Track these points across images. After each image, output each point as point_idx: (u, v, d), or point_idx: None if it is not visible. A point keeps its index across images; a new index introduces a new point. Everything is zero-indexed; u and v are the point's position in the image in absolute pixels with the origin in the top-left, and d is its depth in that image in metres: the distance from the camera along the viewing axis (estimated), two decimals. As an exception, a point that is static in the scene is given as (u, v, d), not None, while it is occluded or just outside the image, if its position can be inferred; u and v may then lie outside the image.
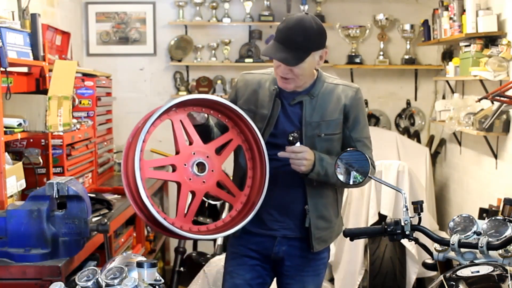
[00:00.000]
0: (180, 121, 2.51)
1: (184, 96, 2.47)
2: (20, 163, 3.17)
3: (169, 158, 2.57)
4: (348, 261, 4.54)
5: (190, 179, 2.48)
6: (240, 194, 2.62)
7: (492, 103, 4.10)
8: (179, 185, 2.48)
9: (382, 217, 4.34)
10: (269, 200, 2.63)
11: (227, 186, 2.63)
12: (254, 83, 2.71)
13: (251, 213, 2.55)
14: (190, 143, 2.52)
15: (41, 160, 3.39)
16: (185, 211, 2.49)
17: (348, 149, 2.49)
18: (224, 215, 4.05)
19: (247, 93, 2.69)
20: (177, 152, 2.50)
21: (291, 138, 2.54)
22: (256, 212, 2.58)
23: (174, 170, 2.49)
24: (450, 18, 4.72)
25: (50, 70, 3.40)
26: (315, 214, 2.65)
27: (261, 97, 2.66)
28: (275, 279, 2.82)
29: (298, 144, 2.54)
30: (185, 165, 2.47)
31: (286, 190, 2.65)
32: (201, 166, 2.51)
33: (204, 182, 2.51)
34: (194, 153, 2.50)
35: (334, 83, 2.66)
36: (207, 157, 2.52)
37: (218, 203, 4.49)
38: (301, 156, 2.52)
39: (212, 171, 2.53)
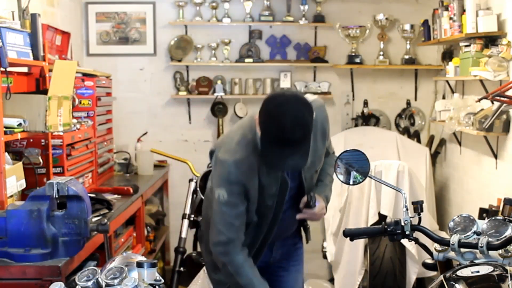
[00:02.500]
0: None
1: None
2: (20, 163, 3.17)
3: None
4: (348, 261, 4.54)
5: None
6: None
7: (492, 103, 4.09)
8: None
9: (382, 217, 4.33)
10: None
11: None
12: (250, 172, 2.46)
13: None
14: None
15: (41, 160, 3.39)
16: None
17: (348, 149, 2.50)
18: None
19: (253, 192, 2.50)
20: None
21: (310, 203, 2.59)
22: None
23: None
24: (450, 18, 4.72)
25: (50, 70, 3.40)
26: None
27: (264, 181, 2.51)
28: None
29: (317, 203, 2.61)
30: None
31: (287, 226, 2.71)
32: None
33: None
34: None
35: None
36: None
37: None
38: (322, 212, 2.63)
39: None
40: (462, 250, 2.17)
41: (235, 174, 2.43)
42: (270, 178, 2.50)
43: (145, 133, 5.56)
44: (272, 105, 2.28)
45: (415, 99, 5.95)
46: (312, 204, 2.58)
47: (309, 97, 2.59)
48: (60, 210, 2.74)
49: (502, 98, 3.83)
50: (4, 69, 2.90)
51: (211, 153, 2.60)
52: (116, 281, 1.85)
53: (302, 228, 2.85)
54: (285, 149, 2.26)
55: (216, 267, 2.67)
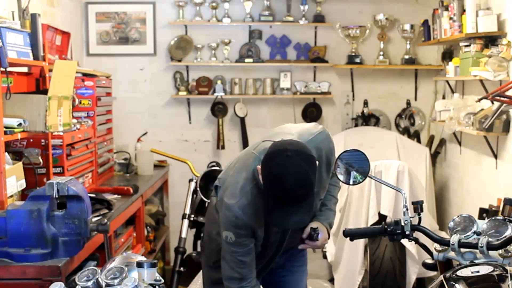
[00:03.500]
0: None
1: None
2: (20, 163, 3.17)
3: None
4: (348, 261, 4.53)
5: None
6: None
7: (492, 103, 4.10)
8: None
9: (382, 217, 4.34)
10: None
11: None
12: (256, 215, 2.43)
13: None
14: None
15: (41, 160, 3.39)
16: None
17: (348, 149, 2.49)
18: None
19: (259, 232, 2.50)
20: None
21: (314, 236, 2.60)
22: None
23: None
24: (450, 18, 4.72)
25: (50, 70, 3.40)
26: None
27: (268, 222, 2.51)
28: None
29: (320, 235, 2.62)
30: None
31: (290, 243, 2.70)
32: None
33: None
34: None
35: (309, 139, 2.50)
36: None
37: None
38: (324, 242, 2.64)
39: None
40: (462, 250, 2.17)
41: (242, 219, 2.42)
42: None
43: (145, 133, 5.56)
44: (274, 164, 2.24)
45: (415, 99, 5.95)
46: (315, 238, 2.60)
47: (314, 128, 2.58)
48: (60, 210, 2.74)
49: (502, 98, 3.83)
50: (4, 69, 2.90)
51: (216, 188, 2.60)
52: (116, 281, 1.85)
53: None
54: (288, 208, 2.24)
55: (214, 283, 2.66)
